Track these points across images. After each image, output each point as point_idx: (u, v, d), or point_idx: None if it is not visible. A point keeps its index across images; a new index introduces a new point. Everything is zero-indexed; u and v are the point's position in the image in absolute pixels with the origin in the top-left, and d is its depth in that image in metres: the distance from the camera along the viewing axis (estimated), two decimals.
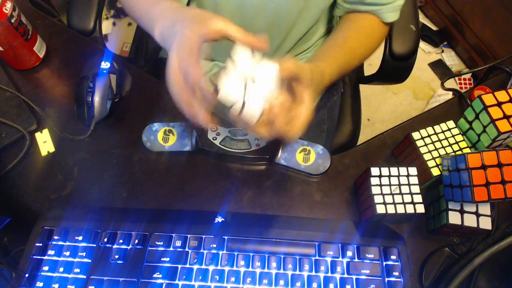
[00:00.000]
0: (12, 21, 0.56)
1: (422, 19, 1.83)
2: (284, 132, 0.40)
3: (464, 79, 1.67)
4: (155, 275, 0.46)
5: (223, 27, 0.38)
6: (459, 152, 0.51)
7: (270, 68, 0.37)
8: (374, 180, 0.48)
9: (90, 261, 0.48)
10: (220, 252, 0.48)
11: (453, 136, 0.53)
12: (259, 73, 0.37)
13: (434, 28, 1.80)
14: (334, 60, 0.52)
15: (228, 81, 0.36)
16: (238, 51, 0.37)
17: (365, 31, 0.59)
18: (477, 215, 0.46)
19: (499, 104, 0.50)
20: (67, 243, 0.49)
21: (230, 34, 0.39)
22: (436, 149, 0.51)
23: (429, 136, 0.53)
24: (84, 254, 0.48)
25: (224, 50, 0.69)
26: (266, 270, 0.47)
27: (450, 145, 0.52)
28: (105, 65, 0.59)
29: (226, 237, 0.49)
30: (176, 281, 0.46)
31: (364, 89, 0.95)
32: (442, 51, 1.76)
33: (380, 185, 0.47)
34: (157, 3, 0.46)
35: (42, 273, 0.47)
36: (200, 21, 0.39)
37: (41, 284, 0.47)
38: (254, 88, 0.37)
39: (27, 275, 0.47)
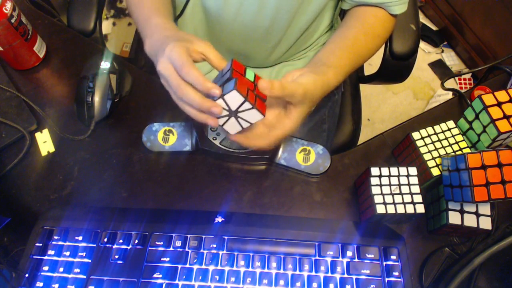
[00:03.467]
0: (12, 21, 0.56)
1: (422, 19, 1.83)
2: (257, 142, 0.45)
3: (464, 79, 1.67)
4: (155, 275, 0.46)
5: (204, 50, 0.43)
6: (459, 152, 0.51)
7: (254, 115, 0.41)
8: (374, 180, 0.48)
9: (90, 261, 0.48)
10: (220, 252, 0.48)
11: (453, 136, 0.53)
12: (243, 116, 0.41)
13: (434, 28, 1.80)
14: (342, 66, 0.52)
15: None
16: (232, 95, 0.40)
17: (374, 31, 0.58)
18: (477, 215, 0.46)
19: (499, 104, 0.50)
20: (67, 243, 0.49)
21: (209, 57, 0.44)
22: (436, 149, 0.51)
23: (429, 136, 0.53)
24: (84, 254, 0.48)
25: (226, 49, 0.69)
26: (266, 270, 0.47)
27: (450, 145, 0.52)
28: (105, 65, 0.59)
29: (226, 237, 0.49)
30: (176, 281, 0.46)
31: (364, 89, 0.95)
32: (442, 51, 1.76)
33: (380, 185, 0.47)
34: (150, 18, 0.51)
35: (42, 273, 0.47)
36: (187, 40, 0.44)
37: (41, 284, 0.47)
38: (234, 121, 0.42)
39: (27, 275, 0.47)
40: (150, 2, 0.54)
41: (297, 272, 0.47)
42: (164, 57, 0.41)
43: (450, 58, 1.74)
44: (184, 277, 0.46)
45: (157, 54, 0.44)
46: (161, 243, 0.48)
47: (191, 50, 0.43)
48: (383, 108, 1.63)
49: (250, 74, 0.41)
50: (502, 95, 0.51)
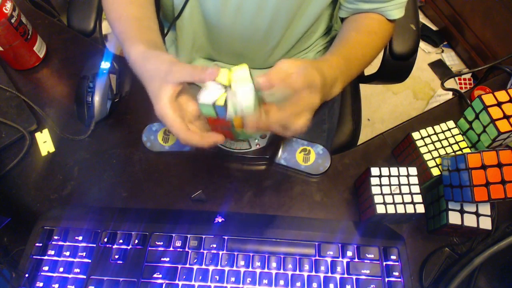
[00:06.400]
0: (12, 21, 0.56)
1: (422, 19, 1.83)
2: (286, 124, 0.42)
3: (464, 79, 1.67)
4: (155, 275, 0.46)
5: (181, 79, 0.41)
6: (459, 152, 0.51)
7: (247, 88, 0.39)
8: (374, 180, 0.48)
9: (90, 261, 0.48)
10: (220, 252, 0.48)
11: (453, 136, 0.53)
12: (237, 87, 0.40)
13: (434, 28, 1.80)
14: (329, 59, 0.49)
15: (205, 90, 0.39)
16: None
17: (368, 29, 0.57)
18: (477, 215, 0.46)
19: (499, 104, 0.50)
20: (67, 243, 0.49)
21: (189, 80, 0.41)
22: (436, 149, 0.51)
23: (429, 136, 0.53)
24: (84, 254, 0.48)
25: (225, 50, 0.69)
26: (266, 270, 0.47)
27: (450, 145, 0.52)
28: (105, 65, 0.59)
29: (226, 237, 0.49)
30: (176, 281, 0.46)
31: (364, 89, 0.95)
32: (442, 51, 1.76)
33: (380, 185, 0.47)
34: (131, 46, 0.50)
35: (42, 273, 0.47)
36: (167, 72, 0.42)
37: (41, 284, 0.47)
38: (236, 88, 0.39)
39: (27, 275, 0.47)
40: (127, 23, 0.52)
41: (297, 272, 0.47)
42: (157, 107, 0.42)
43: (450, 58, 1.74)
44: (184, 277, 0.46)
45: (149, 92, 0.45)
46: (161, 243, 0.48)
47: (173, 81, 0.42)
48: (383, 108, 1.63)
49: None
50: (502, 95, 0.51)
